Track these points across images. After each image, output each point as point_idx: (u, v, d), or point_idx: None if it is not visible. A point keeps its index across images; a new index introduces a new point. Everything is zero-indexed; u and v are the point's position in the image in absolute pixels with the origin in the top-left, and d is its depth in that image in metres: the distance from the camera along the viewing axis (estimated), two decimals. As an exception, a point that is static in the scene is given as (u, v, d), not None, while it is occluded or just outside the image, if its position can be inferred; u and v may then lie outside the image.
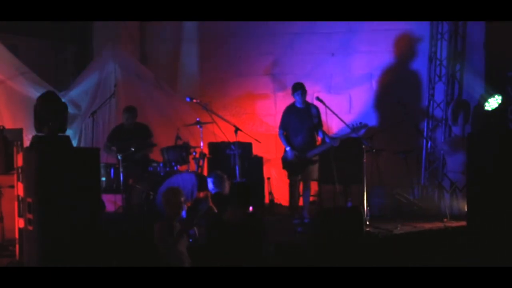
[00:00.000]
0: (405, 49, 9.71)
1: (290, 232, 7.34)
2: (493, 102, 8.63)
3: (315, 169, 7.70)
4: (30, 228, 4.89)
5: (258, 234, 5.03)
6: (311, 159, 7.62)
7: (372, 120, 9.46)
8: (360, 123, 7.50)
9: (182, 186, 6.86)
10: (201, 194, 7.16)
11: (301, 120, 7.65)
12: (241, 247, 4.89)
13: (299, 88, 7.65)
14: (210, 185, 6.90)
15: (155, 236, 5.28)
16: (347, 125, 7.65)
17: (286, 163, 7.68)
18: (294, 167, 7.62)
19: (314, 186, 8.51)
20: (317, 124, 7.70)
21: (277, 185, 9.39)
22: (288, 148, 7.61)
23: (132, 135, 7.95)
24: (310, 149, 7.62)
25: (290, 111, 7.78)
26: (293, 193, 7.82)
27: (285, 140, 7.68)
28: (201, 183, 7.18)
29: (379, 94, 9.78)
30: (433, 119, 9.49)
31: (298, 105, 7.72)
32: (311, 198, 9.09)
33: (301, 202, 7.85)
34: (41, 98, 5.15)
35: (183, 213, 6.54)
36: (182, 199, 5.39)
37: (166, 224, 5.30)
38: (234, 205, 5.09)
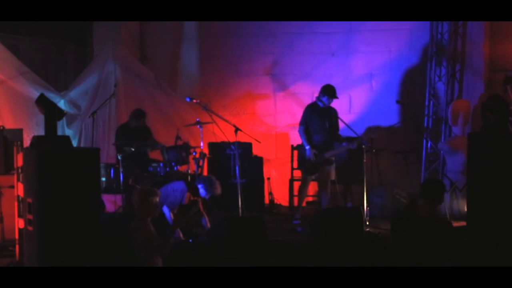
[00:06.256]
0: (405, 49, 9.71)
1: (290, 232, 7.34)
2: None
3: (332, 169, 7.66)
4: (30, 228, 4.89)
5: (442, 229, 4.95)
6: (328, 159, 7.60)
7: (372, 120, 9.46)
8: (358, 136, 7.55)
9: (172, 195, 6.85)
10: (192, 198, 7.15)
11: (322, 120, 7.60)
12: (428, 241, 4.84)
13: (332, 95, 7.55)
14: (202, 191, 6.90)
15: (136, 237, 4.92)
16: (347, 125, 7.65)
17: (303, 161, 7.65)
18: (311, 166, 7.60)
19: (314, 186, 8.50)
20: (336, 125, 7.70)
21: (277, 185, 9.39)
22: (308, 147, 7.58)
23: (139, 136, 7.95)
24: (328, 149, 7.60)
25: (312, 109, 7.69)
26: (302, 191, 7.81)
27: (305, 138, 7.61)
28: (192, 190, 7.12)
29: (379, 94, 9.78)
30: (433, 119, 9.48)
31: (321, 104, 7.67)
32: (310, 198, 9.11)
33: (302, 203, 7.85)
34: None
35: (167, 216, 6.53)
36: (157, 199, 5.09)
37: (144, 224, 4.96)
38: (426, 200, 4.97)
